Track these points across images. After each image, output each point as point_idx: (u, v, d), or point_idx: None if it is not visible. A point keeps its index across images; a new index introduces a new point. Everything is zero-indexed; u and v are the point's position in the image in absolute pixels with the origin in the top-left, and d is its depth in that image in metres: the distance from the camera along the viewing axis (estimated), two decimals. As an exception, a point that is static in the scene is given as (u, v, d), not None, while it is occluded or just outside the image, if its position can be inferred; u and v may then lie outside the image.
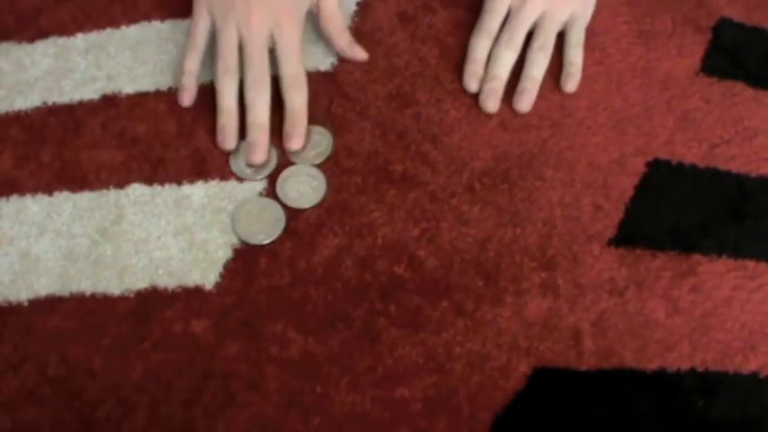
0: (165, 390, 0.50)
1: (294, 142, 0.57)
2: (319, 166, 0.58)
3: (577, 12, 0.62)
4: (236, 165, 0.57)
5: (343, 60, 0.63)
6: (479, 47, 0.61)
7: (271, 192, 0.57)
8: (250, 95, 0.57)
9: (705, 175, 0.59)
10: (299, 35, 0.59)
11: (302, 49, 0.59)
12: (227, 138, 0.58)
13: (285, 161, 0.58)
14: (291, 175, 0.57)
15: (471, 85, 0.60)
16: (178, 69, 0.60)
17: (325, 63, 0.63)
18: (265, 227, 0.55)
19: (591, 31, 0.64)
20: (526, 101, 0.60)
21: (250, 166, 0.57)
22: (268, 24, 0.58)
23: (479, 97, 0.60)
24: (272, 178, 0.57)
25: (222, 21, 0.58)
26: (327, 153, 0.58)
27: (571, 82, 0.61)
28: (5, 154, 0.59)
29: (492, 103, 0.60)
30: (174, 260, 0.54)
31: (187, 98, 0.60)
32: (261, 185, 0.57)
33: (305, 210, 0.56)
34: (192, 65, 0.60)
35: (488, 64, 0.61)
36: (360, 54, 0.62)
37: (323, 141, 0.58)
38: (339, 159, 0.58)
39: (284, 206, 0.56)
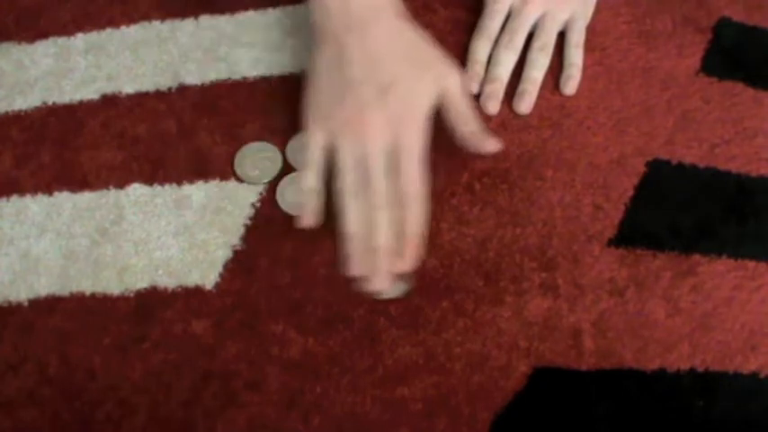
0: (165, 390, 0.50)
1: (403, 264, 0.50)
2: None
3: (578, 12, 0.62)
4: (241, 168, 0.57)
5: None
6: (480, 48, 0.61)
7: (270, 198, 0.57)
8: (374, 216, 0.50)
9: (705, 175, 0.59)
10: (420, 141, 0.51)
11: (423, 158, 0.52)
12: (353, 267, 0.50)
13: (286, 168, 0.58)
14: (292, 182, 0.57)
15: (472, 86, 0.60)
16: (299, 189, 0.54)
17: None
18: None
19: (591, 31, 0.64)
20: (526, 102, 0.60)
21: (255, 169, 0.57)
22: (387, 138, 0.51)
23: (480, 99, 0.60)
24: (273, 184, 0.57)
25: (339, 139, 0.52)
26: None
27: (571, 83, 0.61)
28: (5, 154, 0.59)
29: (492, 105, 0.60)
30: (174, 260, 0.54)
31: (308, 218, 0.52)
32: (260, 187, 0.57)
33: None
34: (311, 182, 0.52)
35: (489, 65, 0.61)
36: (491, 146, 0.55)
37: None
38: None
39: (283, 213, 0.56)
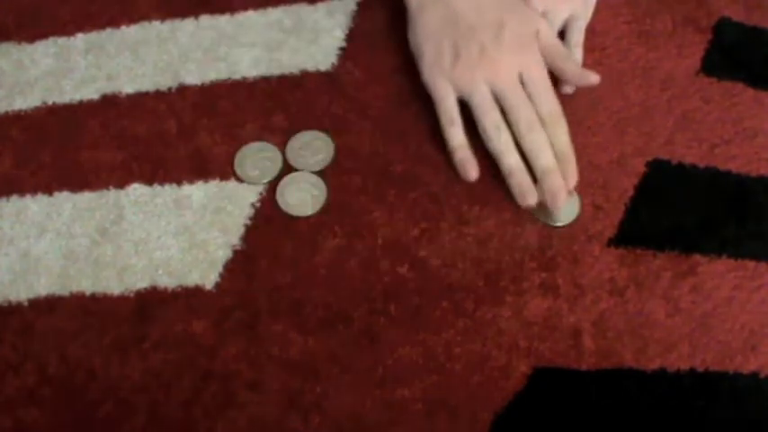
0: (165, 390, 0.50)
1: (569, 182, 0.55)
2: (320, 173, 0.57)
3: (578, 11, 0.63)
4: (241, 168, 0.57)
5: (343, 60, 0.63)
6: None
7: (270, 198, 0.57)
8: (528, 140, 0.55)
9: (705, 175, 0.59)
10: (546, 71, 0.58)
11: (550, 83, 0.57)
12: (528, 195, 0.54)
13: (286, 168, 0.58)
14: (292, 182, 0.57)
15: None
16: (448, 146, 0.57)
17: (325, 63, 0.63)
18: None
19: (591, 31, 0.64)
20: None
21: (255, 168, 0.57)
22: (516, 69, 0.56)
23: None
24: (273, 184, 0.57)
25: (470, 84, 0.56)
26: (328, 160, 0.58)
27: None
28: (5, 154, 0.59)
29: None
30: (174, 260, 0.54)
31: (472, 170, 0.56)
32: (261, 187, 0.57)
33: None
34: (459, 138, 0.57)
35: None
36: (592, 78, 0.59)
37: (324, 147, 0.58)
38: (339, 159, 0.58)
39: (283, 213, 0.56)
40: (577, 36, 0.62)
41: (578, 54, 0.62)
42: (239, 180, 0.57)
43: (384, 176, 0.58)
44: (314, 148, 0.58)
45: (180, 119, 0.60)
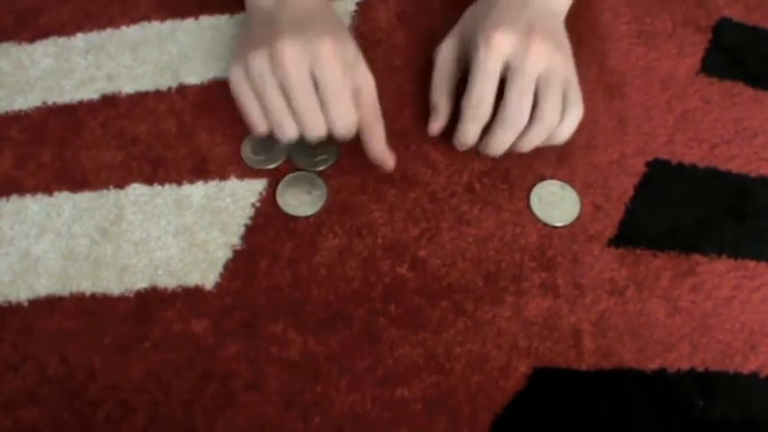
0: (165, 390, 0.50)
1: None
2: (322, 173, 0.57)
3: (553, 71, 0.54)
4: (245, 153, 0.58)
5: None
6: (471, 133, 0.57)
7: (270, 198, 0.57)
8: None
9: (705, 175, 0.59)
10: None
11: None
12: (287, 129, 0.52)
13: (286, 168, 0.58)
14: (292, 181, 0.57)
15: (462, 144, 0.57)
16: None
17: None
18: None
19: (591, 32, 0.64)
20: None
21: (262, 153, 0.57)
22: (304, 63, 0.52)
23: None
24: (273, 184, 0.57)
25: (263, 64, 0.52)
26: (333, 160, 0.58)
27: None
28: (5, 154, 0.59)
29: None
30: (174, 260, 0.54)
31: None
32: (261, 187, 0.57)
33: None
34: (262, 128, 0.53)
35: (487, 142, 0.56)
36: (389, 165, 0.56)
37: (329, 147, 0.58)
38: (339, 159, 0.58)
39: (283, 213, 0.56)
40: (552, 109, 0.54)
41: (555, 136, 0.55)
42: (238, 178, 0.57)
43: (384, 176, 0.58)
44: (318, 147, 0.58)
45: (180, 119, 0.60)
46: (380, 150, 0.55)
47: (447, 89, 0.59)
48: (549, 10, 0.57)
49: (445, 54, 0.59)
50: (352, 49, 0.54)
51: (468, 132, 0.55)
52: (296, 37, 0.51)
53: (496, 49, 0.53)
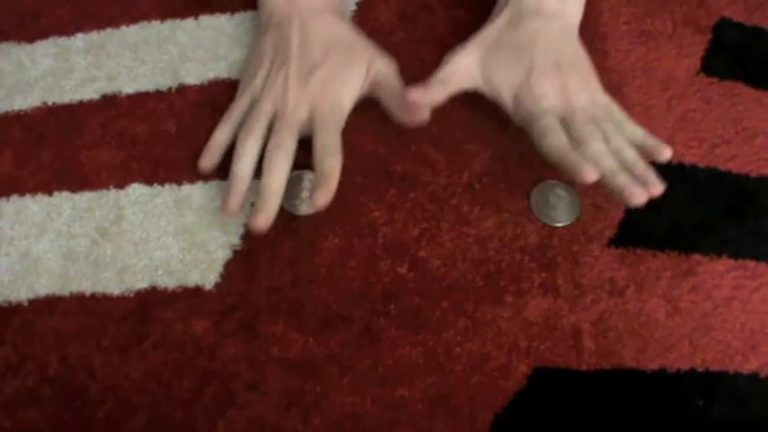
0: (165, 390, 0.50)
1: (320, 200, 0.52)
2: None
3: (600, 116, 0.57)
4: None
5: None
6: (568, 157, 0.53)
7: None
8: (266, 159, 0.53)
9: (705, 175, 0.59)
10: (333, 122, 0.55)
11: (340, 132, 0.55)
12: (232, 205, 0.53)
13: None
14: (293, 180, 0.57)
15: (591, 175, 0.51)
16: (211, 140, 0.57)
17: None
18: None
19: (591, 32, 0.64)
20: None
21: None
22: (304, 109, 0.55)
23: (624, 195, 0.51)
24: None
25: (261, 99, 0.56)
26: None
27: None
28: (5, 154, 0.59)
29: (637, 188, 0.51)
30: (174, 260, 0.54)
31: (207, 162, 0.57)
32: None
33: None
34: (222, 135, 0.57)
35: (594, 161, 0.53)
36: (425, 116, 0.57)
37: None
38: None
39: (283, 212, 0.56)
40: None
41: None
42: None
43: (384, 176, 0.58)
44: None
45: (180, 119, 0.60)
46: (405, 104, 0.57)
47: (449, 92, 0.58)
48: (568, 27, 0.60)
49: (464, 67, 0.58)
50: (358, 63, 0.57)
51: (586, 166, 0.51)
52: (302, 82, 0.56)
53: (547, 110, 0.55)
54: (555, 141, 0.53)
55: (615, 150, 0.54)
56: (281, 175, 0.53)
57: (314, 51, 0.57)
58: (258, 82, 0.57)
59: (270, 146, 0.54)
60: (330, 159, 0.53)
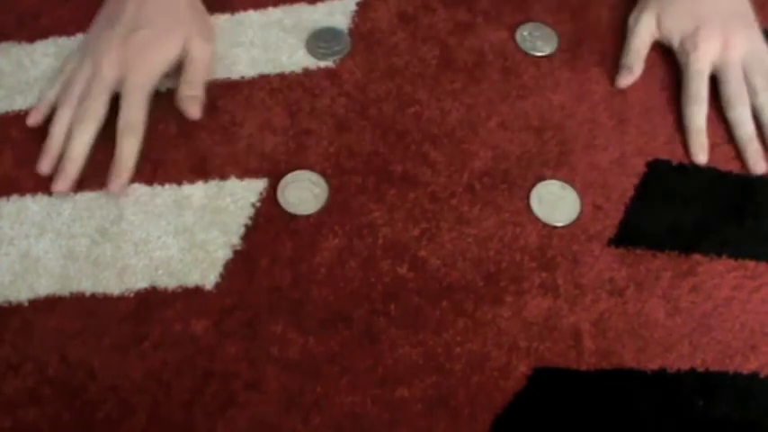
0: (165, 390, 0.50)
1: (113, 185, 0.56)
2: (323, 173, 0.57)
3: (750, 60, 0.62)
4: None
5: (343, 60, 0.63)
6: (696, 114, 0.60)
7: (270, 197, 0.57)
8: (72, 128, 0.57)
9: (705, 176, 0.59)
10: (143, 86, 0.58)
11: (148, 98, 0.58)
12: (42, 167, 0.57)
13: (286, 167, 0.58)
14: (293, 180, 0.57)
15: (700, 158, 0.59)
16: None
17: (325, 61, 0.63)
18: None
19: (591, 32, 0.64)
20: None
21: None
22: (115, 73, 0.57)
23: (748, 162, 0.59)
24: (273, 184, 0.57)
25: (84, 63, 0.59)
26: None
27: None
28: (5, 154, 0.59)
29: (763, 161, 0.59)
30: (174, 260, 0.54)
31: (33, 119, 0.59)
32: (261, 187, 0.57)
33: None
34: (52, 92, 0.60)
35: (734, 126, 0.60)
36: (196, 114, 0.58)
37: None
38: (339, 159, 0.58)
39: (283, 212, 0.56)
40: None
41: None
42: (237, 178, 0.57)
43: (384, 176, 0.58)
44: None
45: (180, 119, 0.60)
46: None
47: (643, 56, 0.63)
48: None
49: (645, 27, 0.63)
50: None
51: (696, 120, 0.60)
52: (123, 41, 0.58)
53: (704, 56, 0.61)
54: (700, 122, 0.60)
55: (760, 107, 0.60)
56: (83, 144, 0.56)
57: (145, 14, 0.59)
58: (91, 40, 0.60)
59: (77, 113, 0.57)
60: (130, 140, 0.56)
